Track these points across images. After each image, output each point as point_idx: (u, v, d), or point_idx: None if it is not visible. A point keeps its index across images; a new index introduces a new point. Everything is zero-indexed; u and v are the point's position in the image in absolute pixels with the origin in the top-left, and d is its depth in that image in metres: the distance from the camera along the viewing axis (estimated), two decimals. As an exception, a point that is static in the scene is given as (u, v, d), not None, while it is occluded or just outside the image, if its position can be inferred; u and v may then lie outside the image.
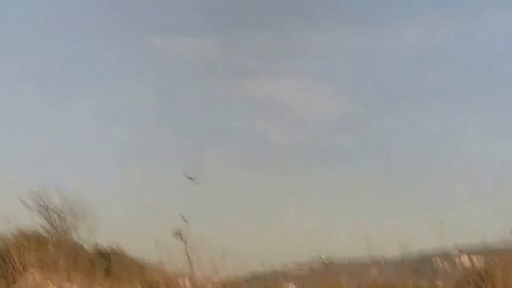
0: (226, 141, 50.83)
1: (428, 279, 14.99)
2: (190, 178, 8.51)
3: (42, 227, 21.89)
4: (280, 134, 57.73)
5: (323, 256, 15.33)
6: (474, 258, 19.13)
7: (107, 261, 18.46)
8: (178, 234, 7.09)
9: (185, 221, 7.35)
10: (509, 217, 15.37)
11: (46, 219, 21.52)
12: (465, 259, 20.45)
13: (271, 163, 43.62)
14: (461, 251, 21.29)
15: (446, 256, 18.12)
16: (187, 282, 13.98)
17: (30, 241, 19.36)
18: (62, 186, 21.97)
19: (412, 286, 12.90)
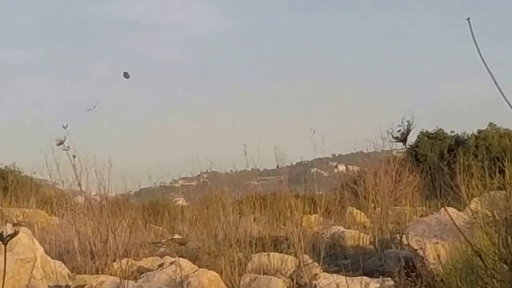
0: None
1: (305, 188, 16.26)
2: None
3: None
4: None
5: (208, 170, 16.31)
6: (350, 167, 20.68)
7: (4, 180, 19.03)
8: (61, 143, 7.81)
9: (65, 128, 8.08)
10: (380, 124, 16.67)
11: None
12: (342, 167, 22.03)
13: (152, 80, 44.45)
14: (337, 160, 22.84)
15: (324, 165, 19.53)
16: (79, 199, 14.60)
17: None
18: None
19: (290, 193, 14.23)
